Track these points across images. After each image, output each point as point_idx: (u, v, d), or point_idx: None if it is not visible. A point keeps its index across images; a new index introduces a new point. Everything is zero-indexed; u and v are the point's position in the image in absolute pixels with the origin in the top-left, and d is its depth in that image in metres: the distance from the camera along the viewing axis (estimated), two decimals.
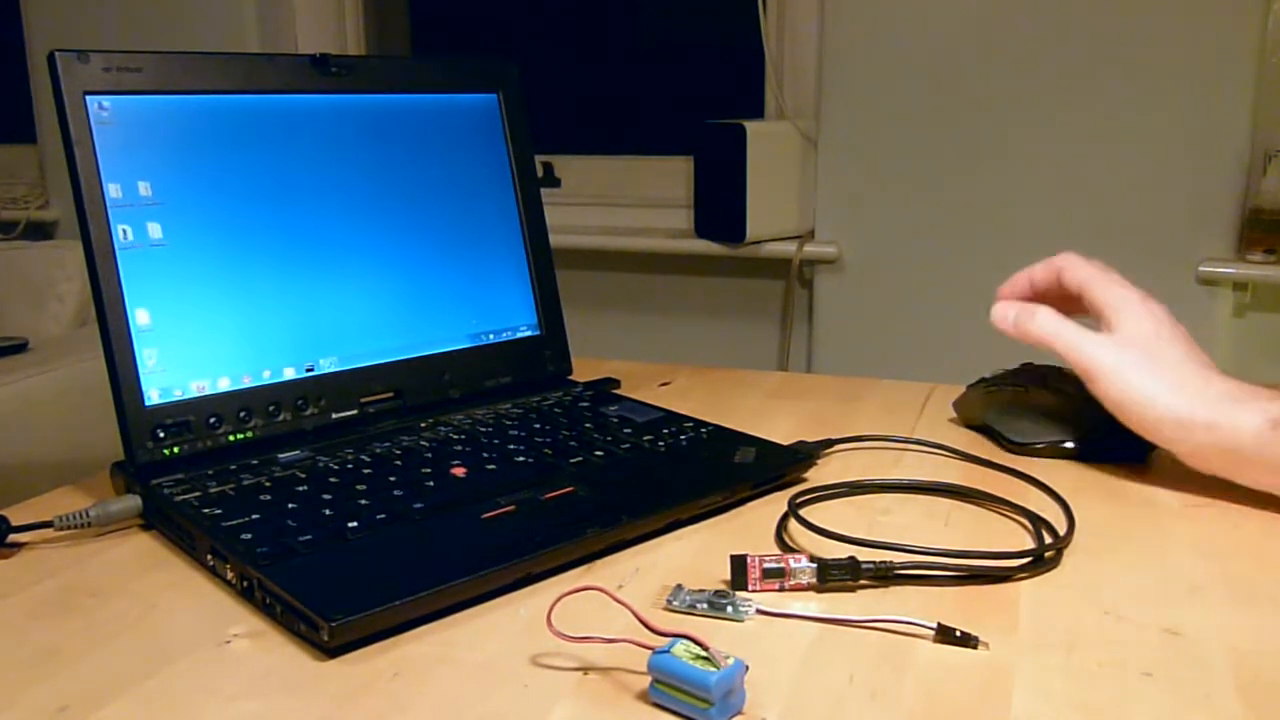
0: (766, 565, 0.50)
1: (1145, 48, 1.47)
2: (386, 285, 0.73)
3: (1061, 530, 0.56)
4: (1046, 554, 0.53)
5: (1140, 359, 0.62)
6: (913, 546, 0.52)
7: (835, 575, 0.50)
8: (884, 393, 0.84)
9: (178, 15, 2.06)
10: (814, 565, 0.50)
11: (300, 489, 0.60)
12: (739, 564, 0.51)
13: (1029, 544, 0.55)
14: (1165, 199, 1.50)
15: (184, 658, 0.46)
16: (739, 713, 0.40)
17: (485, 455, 0.65)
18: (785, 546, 0.56)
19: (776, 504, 0.62)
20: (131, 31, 2.08)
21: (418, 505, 0.57)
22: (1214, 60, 1.44)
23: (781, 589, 0.50)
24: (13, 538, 0.57)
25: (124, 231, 0.62)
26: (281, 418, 0.67)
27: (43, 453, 1.37)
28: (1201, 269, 1.48)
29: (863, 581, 0.51)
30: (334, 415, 0.69)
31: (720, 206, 1.70)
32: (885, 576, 0.51)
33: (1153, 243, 1.51)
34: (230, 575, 0.52)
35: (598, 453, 0.66)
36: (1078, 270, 0.66)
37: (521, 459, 0.65)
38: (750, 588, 0.50)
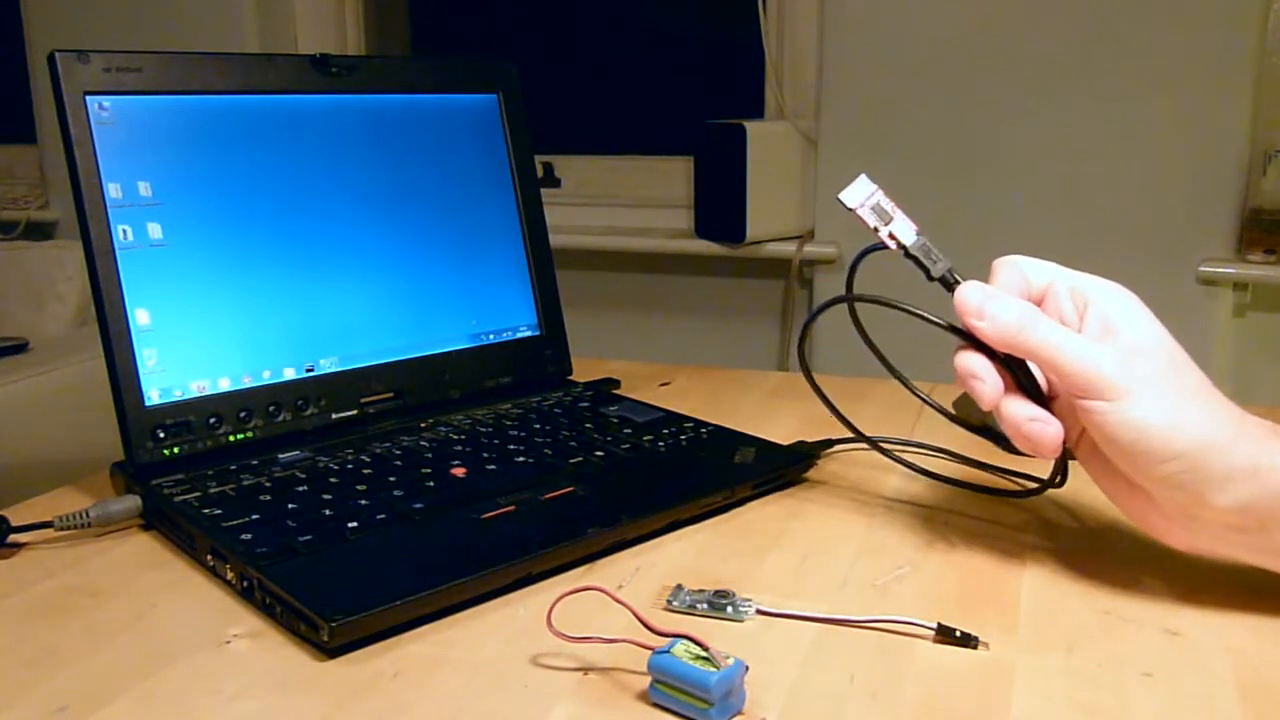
0: (882, 202, 0.53)
1: (1145, 48, 1.47)
2: (386, 285, 0.73)
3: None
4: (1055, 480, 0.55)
5: (1154, 369, 0.47)
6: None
7: (918, 258, 0.52)
8: (884, 393, 0.83)
9: (178, 15, 2.06)
10: (914, 238, 0.53)
11: (300, 489, 0.60)
12: (864, 185, 0.53)
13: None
14: (1165, 199, 1.50)
15: (184, 658, 0.46)
16: (739, 713, 0.40)
17: (485, 455, 0.65)
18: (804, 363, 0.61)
19: (777, 504, 0.62)
20: (131, 31, 2.08)
21: (418, 505, 0.57)
22: (1214, 60, 1.44)
23: (877, 230, 0.53)
24: (13, 538, 0.57)
25: (124, 231, 0.62)
26: (281, 418, 0.67)
27: (43, 453, 1.37)
28: (1201, 269, 1.48)
29: (934, 281, 0.52)
30: (334, 415, 0.69)
31: (720, 206, 1.70)
32: (950, 288, 0.51)
33: (1153, 243, 1.51)
34: (230, 575, 0.52)
35: (598, 453, 0.66)
36: (1042, 267, 0.52)
37: (521, 459, 0.65)
38: (855, 205, 0.53)
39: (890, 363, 0.63)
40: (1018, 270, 0.51)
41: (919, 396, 0.62)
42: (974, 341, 0.50)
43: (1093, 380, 0.46)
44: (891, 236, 0.53)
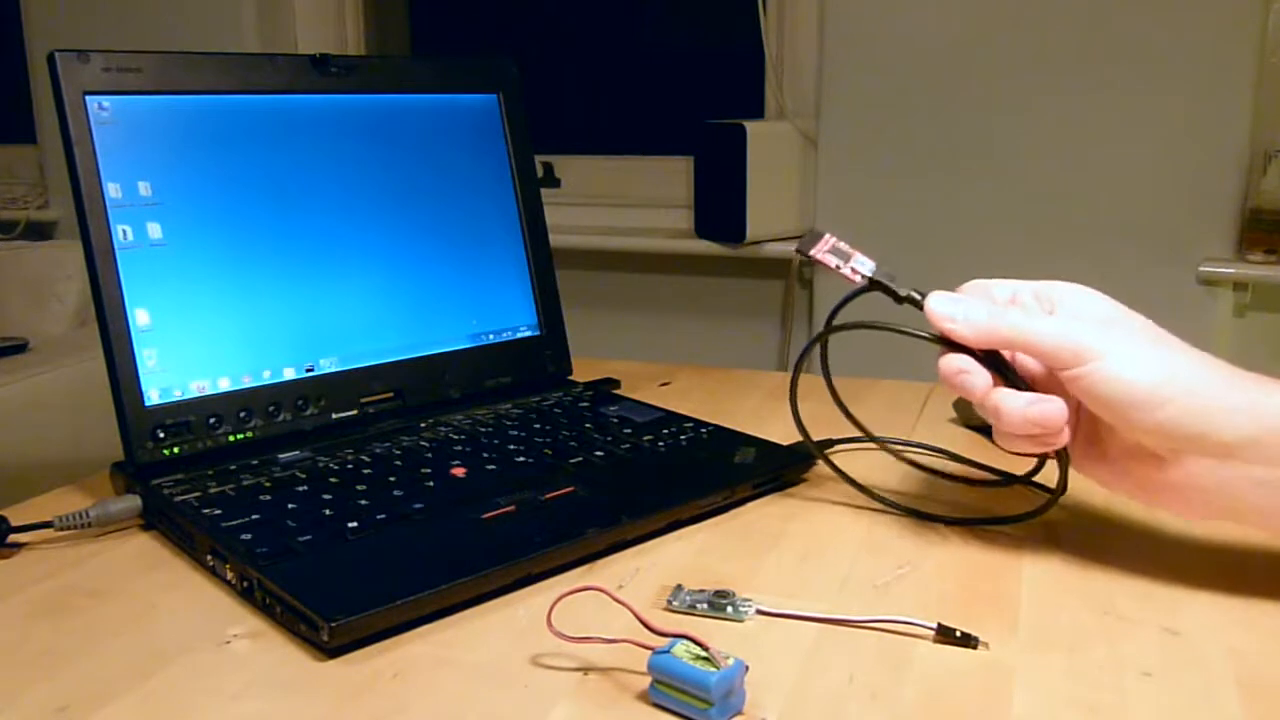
0: (838, 244, 0.55)
1: (1145, 48, 1.47)
2: (386, 285, 0.73)
3: (1058, 519, 0.56)
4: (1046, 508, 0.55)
5: (1133, 334, 0.49)
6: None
7: (883, 283, 0.54)
8: (884, 393, 0.83)
9: (178, 15, 2.06)
10: (873, 268, 0.55)
11: (300, 489, 0.60)
12: (817, 234, 0.55)
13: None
14: (1165, 199, 1.50)
15: (184, 658, 0.46)
16: (739, 713, 0.40)
17: (485, 455, 0.65)
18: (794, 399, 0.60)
19: (777, 504, 0.62)
20: (131, 31, 2.08)
21: (418, 505, 0.57)
22: (1214, 60, 1.44)
23: (839, 269, 0.55)
24: (13, 538, 0.57)
25: (124, 231, 0.62)
26: (281, 418, 0.67)
27: (43, 453, 1.37)
28: (1201, 269, 1.48)
29: (903, 303, 0.54)
30: (334, 415, 0.69)
31: (720, 206, 1.70)
32: (919, 305, 0.52)
33: (1153, 243, 1.51)
34: (230, 575, 0.52)
35: (598, 453, 0.66)
36: (1004, 284, 0.54)
37: (521, 459, 0.65)
38: (814, 252, 0.55)
39: (861, 424, 0.66)
40: (982, 289, 0.54)
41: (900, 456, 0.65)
42: (954, 346, 0.52)
43: (1071, 348, 0.48)
44: (854, 271, 0.55)
